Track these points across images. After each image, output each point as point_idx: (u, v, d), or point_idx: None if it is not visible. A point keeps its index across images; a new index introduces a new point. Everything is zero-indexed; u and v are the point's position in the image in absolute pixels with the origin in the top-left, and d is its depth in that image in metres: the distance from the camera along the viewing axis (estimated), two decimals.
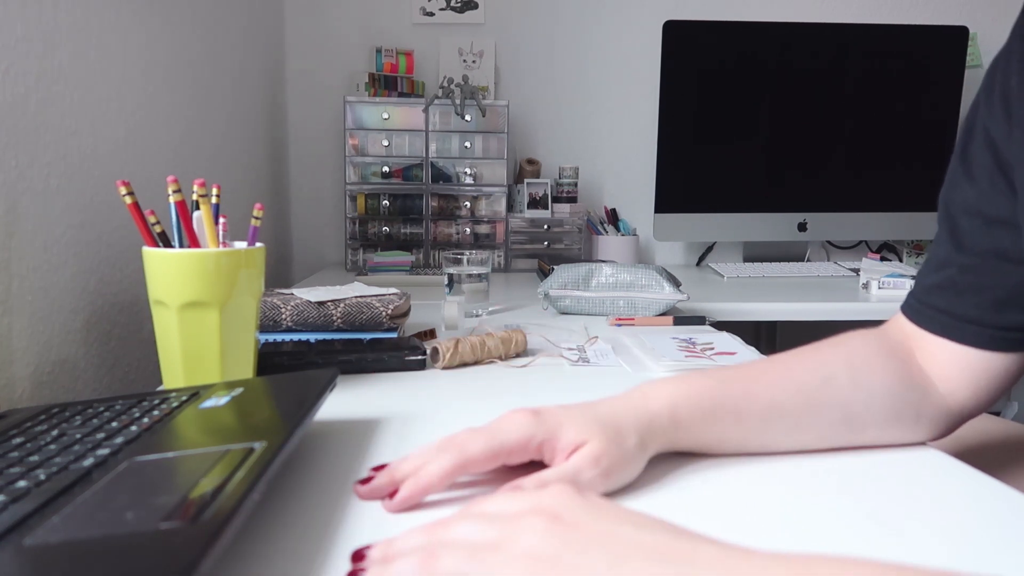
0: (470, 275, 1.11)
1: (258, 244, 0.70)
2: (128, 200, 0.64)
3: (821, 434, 0.55)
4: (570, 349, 0.89)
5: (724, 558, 0.31)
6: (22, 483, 0.40)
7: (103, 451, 0.45)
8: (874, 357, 0.57)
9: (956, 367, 0.57)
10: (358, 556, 0.38)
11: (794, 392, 0.54)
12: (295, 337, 0.85)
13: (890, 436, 0.56)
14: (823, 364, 0.56)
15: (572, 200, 1.75)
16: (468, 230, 1.67)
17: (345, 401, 0.69)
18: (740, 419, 0.53)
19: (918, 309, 0.59)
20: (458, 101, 1.62)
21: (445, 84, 1.64)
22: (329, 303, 0.86)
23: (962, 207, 0.57)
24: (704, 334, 0.97)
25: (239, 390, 0.58)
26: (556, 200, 1.73)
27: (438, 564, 0.34)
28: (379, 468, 0.48)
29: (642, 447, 0.49)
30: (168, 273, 0.64)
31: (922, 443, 0.57)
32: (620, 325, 1.05)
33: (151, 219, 0.65)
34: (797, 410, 0.54)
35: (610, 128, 1.88)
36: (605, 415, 0.49)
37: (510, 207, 1.72)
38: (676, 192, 1.71)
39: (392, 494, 0.45)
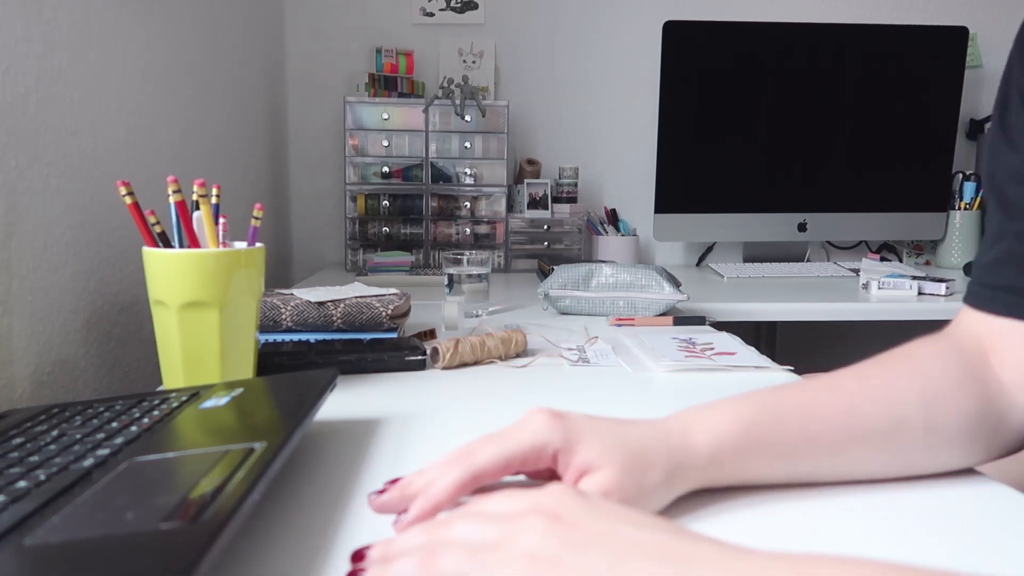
0: (470, 275, 1.11)
1: (258, 244, 0.70)
2: (128, 200, 0.64)
3: (879, 473, 0.50)
4: (570, 349, 0.89)
5: (724, 558, 0.31)
6: (22, 483, 0.40)
7: (103, 451, 0.45)
8: (952, 387, 0.50)
9: None
10: (358, 556, 0.38)
11: (861, 439, 0.48)
12: (295, 337, 0.85)
13: (955, 464, 0.51)
14: (896, 403, 0.49)
15: (572, 200, 1.75)
16: (468, 230, 1.66)
17: (345, 401, 0.69)
18: (792, 460, 0.48)
19: (980, 294, 0.54)
20: (458, 101, 1.62)
21: (445, 84, 1.64)
22: (329, 303, 0.86)
23: (1008, 176, 0.54)
24: (704, 334, 0.97)
25: (239, 390, 0.58)
26: (556, 200, 1.73)
27: (437, 564, 0.34)
28: (395, 481, 0.46)
29: (667, 485, 0.44)
30: (168, 273, 0.64)
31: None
32: (620, 325, 1.05)
33: (151, 219, 0.65)
34: (860, 455, 0.48)
35: (610, 128, 1.88)
36: (633, 441, 0.45)
37: (510, 207, 1.72)
38: (676, 192, 1.71)
39: (403, 511, 0.44)
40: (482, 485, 0.45)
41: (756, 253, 1.84)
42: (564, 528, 0.34)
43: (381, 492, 0.46)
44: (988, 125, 1.84)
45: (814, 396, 0.49)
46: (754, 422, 0.47)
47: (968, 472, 0.52)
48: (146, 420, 0.52)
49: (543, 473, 0.46)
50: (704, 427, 0.47)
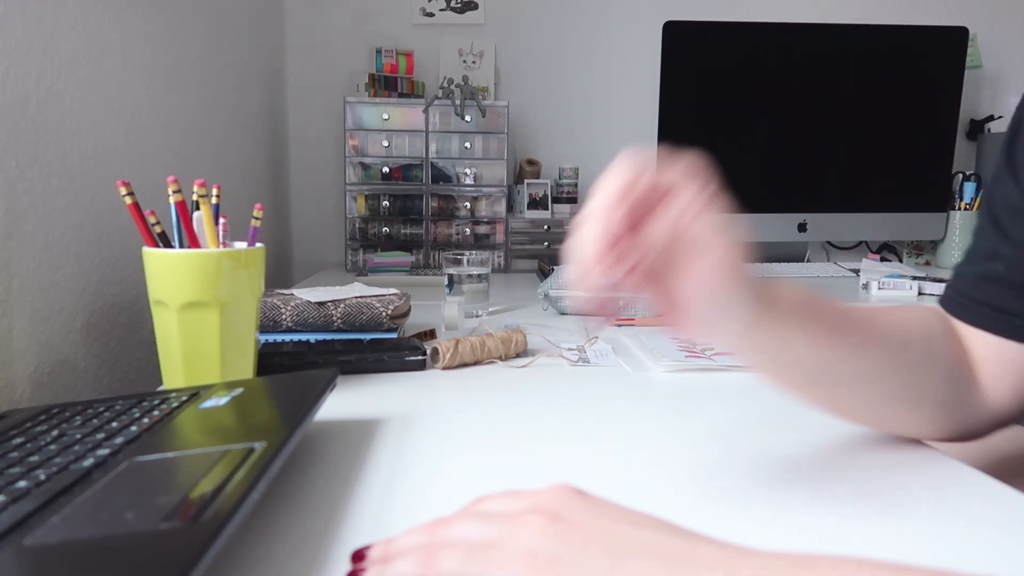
0: (470, 275, 1.11)
1: (258, 244, 0.70)
2: (128, 200, 0.64)
3: (886, 394, 0.53)
4: (570, 349, 0.89)
5: (724, 557, 0.31)
6: (22, 483, 0.40)
7: (103, 451, 0.45)
8: (942, 335, 0.55)
9: (997, 364, 0.55)
10: (358, 556, 0.38)
11: (880, 341, 0.51)
12: (295, 337, 0.85)
13: (937, 425, 0.55)
14: (903, 329, 0.54)
15: (572, 200, 1.75)
16: (468, 230, 1.66)
17: (345, 401, 0.69)
18: (831, 339, 0.49)
19: (959, 302, 0.58)
20: (458, 101, 1.62)
21: (445, 84, 1.64)
22: (329, 303, 0.86)
23: (1004, 204, 0.56)
24: None
25: (239, 390, 0.58)
26: (556, 200, 1.73)
27: (438, 563, 0.34)
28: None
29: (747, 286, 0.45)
30: (168, 273, 0.64)
31: (929, 448, 0.57)
32: (620, 325, 1.05)
33: (151, 219, 0.65)
34: (878, 363, 0.51)
35: (610, 128, 1.88)
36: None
37: (510, 207, 1.72)
38: None
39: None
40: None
41: (756, 253, 1.84)
42: (564, 527, 0.33)
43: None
44: (988, 125, 1.84)
45: (847, 306, 0.52)
46: (810, 294, 0.49)
47: (968, 472, 0.52)
48: (146, 420, 0.52)
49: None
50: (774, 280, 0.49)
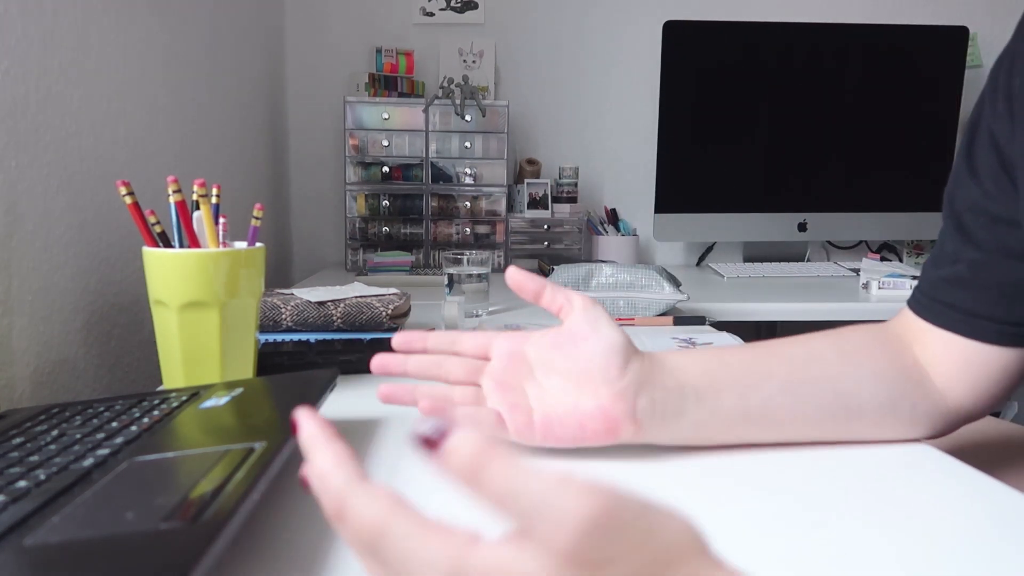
0: (470, 275, 1.11)
1: (258, 244, 0.70)
2: (128, 200, 0.64)
3: (813, 417, 0.54)
4: None
5: None
6: (22, 483, 0.40)
7: (103, 451, 0.45)
8: (866, 342, 0.57)
9: (957, 363, 0.56)
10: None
11: (780, 362, 0.54)
12: (295, 337, 0.85)
13: (887, 428, 0.55)
14: (808, 343, 0.56)
15: (572, 200, 1.75)
16: (468, 230, 1.67)
17: (345, 401, 0.69)
18: (742, 394, 0.52)
19: (925, 304, 0.59)
20: (458, 101, 1.62)
21: (445, 84, 1.64)
22: (329, 303, 0.86)
23: (966, 205, 0.57)
24: (704, 334, 0.97)
25: (239, 390, 0.58)
26: (556, 200, 1.73)
27: None
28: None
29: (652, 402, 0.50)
30: (168, 273, 0.64)
31: (919, 441, 0.57)
32: (620, 325, 1.05)
33: (151, 219, 0.65)
34: (785, 383, 0.53)
35: (610, 128, 1.88)
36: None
37: (510, 207, 1.72)
38: (676, 192, 1.71)
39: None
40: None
41: (756, 253, 1.84)
42: None
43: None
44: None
45: (734, 347, 0.57)
46: (709, 359, 0.54)
47: (968, 472, 0.52)
48: (146, 420, 0.52)
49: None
50: (670, 358, 0.53)
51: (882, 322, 0.62)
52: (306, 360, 0.76)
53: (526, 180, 1.72)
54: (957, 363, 0.56)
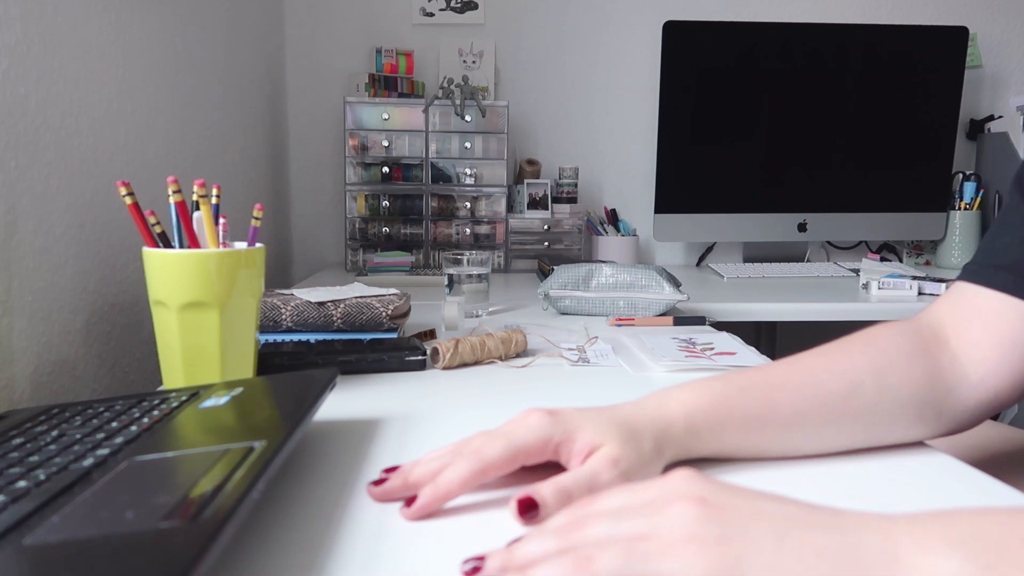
0: (470, 275, 1.11)
1: (258, 244, 0.70)
2: (128, 200, 0.64)
3: (842, 441, 0.54)
4: (570, 349, 0.89)
5: (866, 520, 0.33)
6: (22, 483, 0.40)
7: (103, 451, 0.45)
8: (902, 358, 0.55)
9: (1001, 340, 0.55)
10: (474, 570, 0.36)
11: (819, 404, 0.52)
12: (295, 337, 0.85)
13: (909, 436, 0.55)
14: (850, 370, 0.53)
15: (572, 200, 1.75)
16: (468, 230, 1.67)
17: (345, 401, 0.69)
18: (760, 429, 0.51)
19: (975, 271, 0.58)
20: (458, 101, 1.62)
21: (445, 84, 1.64)
22: (329, 303, 0.86)
23: None
24: (704, 334, 0.97)
25: (239, 390, 0.58)
26: (556, 200, 1.73)
27: (595, 564, 0.33)
28: (392, 469, 0.47)
29: (658, 452, 0.48)
30: (168, 273, 0.64)
31: (923, 444, 0.57)
32: (620, 325, 1.05)
33: (151, 219, 0.65)
34: (821, 420, 0.52)
35: (610, 128, 1.88)
36: (621, 419, 0.48)
37: (510, 207, 1.72)
38: (676, 192, 1.71)
39: (409, 501, 0.44)
40: (486, 481, 0.46)
41: (756, 253, 1.84)
42: (716, 510, 0.33)
43: (380, 482, 0.47)
44: (988, 125, 1.84)
45: (776, 370, 0.54)
46: (723, 394, 0.51)
47: (971, 474, 0.52)
48: (146, 420, 0.52)
49: (535, 470, 0.48)
50: (677, 400, 0.50)
51: (882, 324, 0.61)
52: (306, 360, 0.76)
53: (526, 180, 1.72)
54: (1001, 340, 0.55)
